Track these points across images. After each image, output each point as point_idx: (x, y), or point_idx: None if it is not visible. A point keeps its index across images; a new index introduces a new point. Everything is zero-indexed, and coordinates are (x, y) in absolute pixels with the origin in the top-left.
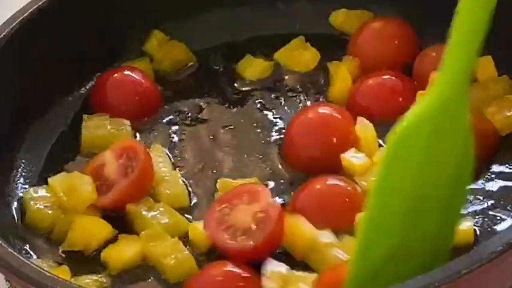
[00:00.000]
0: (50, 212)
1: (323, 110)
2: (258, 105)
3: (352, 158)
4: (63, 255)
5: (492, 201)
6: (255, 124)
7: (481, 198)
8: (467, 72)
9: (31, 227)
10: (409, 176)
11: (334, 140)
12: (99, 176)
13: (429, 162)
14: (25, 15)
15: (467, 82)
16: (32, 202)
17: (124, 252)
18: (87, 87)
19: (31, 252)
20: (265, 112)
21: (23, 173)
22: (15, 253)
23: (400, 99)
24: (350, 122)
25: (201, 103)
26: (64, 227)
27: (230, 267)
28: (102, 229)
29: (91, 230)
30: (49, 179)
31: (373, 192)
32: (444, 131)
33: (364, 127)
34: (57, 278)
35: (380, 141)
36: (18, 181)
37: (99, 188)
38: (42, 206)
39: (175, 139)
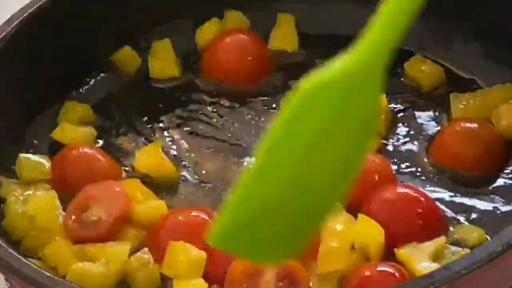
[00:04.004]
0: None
1: None
2: None
3: None
4: None
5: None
6: None
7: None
8: (392, 42)
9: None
10: (307, 133)
11: None
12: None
13: (329, 125)
14: (25, 15)
15: (389, 52)
16: (16, 206)
17: None
18: (87, 87)
19: None
20: None
21: None
22: (15, 253)
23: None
24: None
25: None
26: (33, 242)
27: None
28: (70, 260)
29: (57, 258)
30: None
31: (271, 138)
32: (352, 97)
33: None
34: (57, 278)
35: None
36: None
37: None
38: (20, 212)
39: None
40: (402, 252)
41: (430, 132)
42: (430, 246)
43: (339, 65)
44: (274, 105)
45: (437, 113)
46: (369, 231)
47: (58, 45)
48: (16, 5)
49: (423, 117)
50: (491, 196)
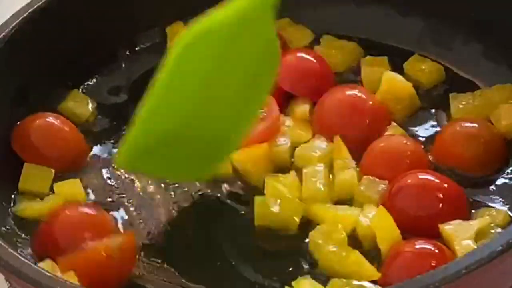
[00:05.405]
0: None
1: None
2: None
3: None
4: None
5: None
6: None
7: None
8: None
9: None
10: (202, 73)
11: None
12: None
13: (222, 65)
14: (25, 14)
15: None
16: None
17: None
18: (86, 86)
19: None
20: None
21: None
22: (15, 253)
23: None
24: None
25: None
26: None
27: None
28: None
29: None
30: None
31: (166, 72)
32: (242, 39)
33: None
34: (57, 278)
35: None
36: None
37: None
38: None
39: None
40: (446, 229)
41: (430, 132)
42: (474, 225)
43: (225, 11)
44: None
45: (436, 113)
46: (383, 227)
47: (59, 44)
48: (16, 5)
49: (423, 117)
50: (491, 196)
